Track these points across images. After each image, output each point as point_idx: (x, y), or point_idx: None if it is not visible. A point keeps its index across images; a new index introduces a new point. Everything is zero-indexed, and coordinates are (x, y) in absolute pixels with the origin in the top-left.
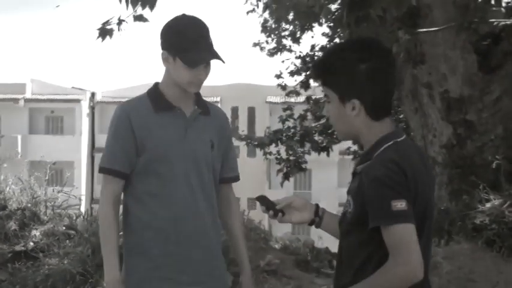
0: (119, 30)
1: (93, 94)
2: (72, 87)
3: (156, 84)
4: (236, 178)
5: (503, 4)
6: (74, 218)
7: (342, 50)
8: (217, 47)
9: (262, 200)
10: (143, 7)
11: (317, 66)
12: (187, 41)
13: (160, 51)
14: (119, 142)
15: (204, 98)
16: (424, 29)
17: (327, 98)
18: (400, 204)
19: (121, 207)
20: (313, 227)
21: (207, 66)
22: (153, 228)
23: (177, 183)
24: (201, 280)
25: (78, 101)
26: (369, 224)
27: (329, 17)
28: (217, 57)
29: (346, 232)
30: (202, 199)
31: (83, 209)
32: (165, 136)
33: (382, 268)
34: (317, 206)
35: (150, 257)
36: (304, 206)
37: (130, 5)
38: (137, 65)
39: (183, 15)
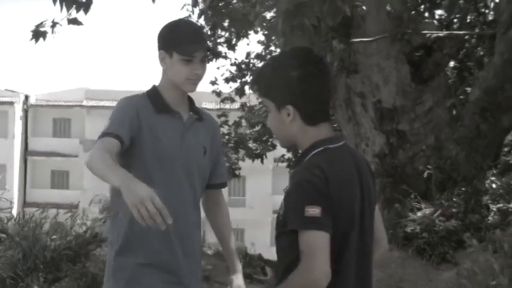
0: (52, 32)
1: (26, 97)
2: (6, 90)
3: (155, 87)
4: (225, 184)
5: (436, 17)
6: (5, 221)
7: (275, 60)
8: (152, 53)
9: None
10: (77, 10)
11: (254, 79)
12: (182, 35)
13: (157, 55)
14: (121, 116)
15: None
16: (358, 39)
17: (267, 108)
18: (313, 211)
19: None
20: (246, 233)
21: (203, 63)
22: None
23: (169, 185)
24: (186, 282)
25: (11, 103)
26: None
27: (264, 25)
28: (208, 48)
29: (277, 234)
30: (191, 203)
31: (14, 212)
32: (163, 138)
33: (291, 273)
34: None
35: (141, 254)
36: None
37: (64, 8)
38: (72, 68)
39: (178, 19)
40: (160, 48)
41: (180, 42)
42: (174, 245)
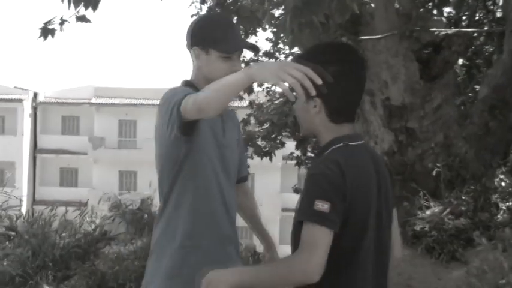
0: (61, 30)
1: (35, 94)
2: (15, 87)
3: (190, 82)
4: (248, 177)
5: (445, 14)
6: (14, 219)
7: (315, 49)
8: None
9: None
10: (86, 8)
11: (297, 60)
12: (220, 32)
13: (189, 51)
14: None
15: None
16: (367, 37)
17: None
18: (321, 205)
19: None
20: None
21: (239, 58)
22: (203, 221)
23: (212, 183)
24: None
25: (20, 101)
26: None
27: (272, 22)
28: (250, 44)
29: (293, 227)
30: (234, 198)
31: (23, 210)
32: (210, 134)
33: (285, 258)
34: None
35: (202, 251)
36: None
37: (72, 5)
38: (81, 66)
39: (207, 13)
40: (194, 44)
41: (219, 40)
42: (228, 244)
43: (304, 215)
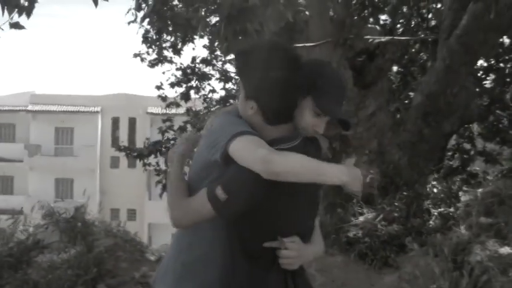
0: None
1: None
2: None
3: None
4: None
5: (381, 22)
6: None
7: (262, 50)
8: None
9: None
10: (20, 14)
11: (240, 57)
12: (331, 88)
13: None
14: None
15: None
16: (301, 44)
17: (239, 87)
18: (220, 193)
19: None
20: None
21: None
22: None
23: None
24: None
25: None
26: None
27: (208, 29)
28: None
29: None
30: None
31: None
32: None
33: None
34: None
35: None
36: None
37: (6, 12)
38: (17, 72)
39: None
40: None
41: (323, 93)
42: None
43: (208, 192)
